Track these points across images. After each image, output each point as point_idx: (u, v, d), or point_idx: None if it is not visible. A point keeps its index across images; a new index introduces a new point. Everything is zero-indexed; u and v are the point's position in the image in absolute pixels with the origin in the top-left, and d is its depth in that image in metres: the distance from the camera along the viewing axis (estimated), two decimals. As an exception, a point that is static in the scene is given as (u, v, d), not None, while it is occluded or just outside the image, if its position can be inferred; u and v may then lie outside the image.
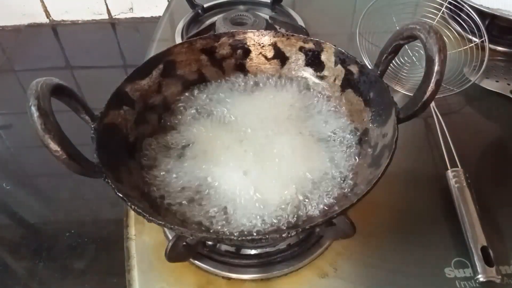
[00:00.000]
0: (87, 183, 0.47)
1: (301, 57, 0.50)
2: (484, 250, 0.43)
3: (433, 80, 0.34)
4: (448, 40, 0.69)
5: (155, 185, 0.41)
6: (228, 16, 0.76)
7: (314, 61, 0.50)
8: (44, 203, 1.10)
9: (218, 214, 0.39)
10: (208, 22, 0.82)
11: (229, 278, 0.44)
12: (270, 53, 0.51)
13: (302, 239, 0.46)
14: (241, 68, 0.52)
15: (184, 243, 0.40)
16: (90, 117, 0.38)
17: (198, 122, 0.47)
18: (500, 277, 0.42)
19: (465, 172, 0.50)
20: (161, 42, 0.79)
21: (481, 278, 0.42)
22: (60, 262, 0.94)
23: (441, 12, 0.70)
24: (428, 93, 0.35)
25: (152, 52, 0.74)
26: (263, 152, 0.43)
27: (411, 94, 0.43)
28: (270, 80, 0.51)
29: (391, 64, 0.46)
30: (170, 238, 0.41)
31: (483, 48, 0.64)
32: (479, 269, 0.42)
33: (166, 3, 0.94)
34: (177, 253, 0.39)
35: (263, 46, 0.51)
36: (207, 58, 0.50)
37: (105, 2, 1.49)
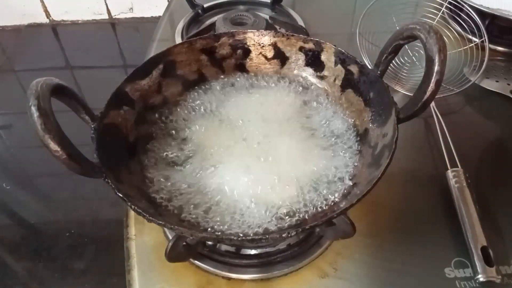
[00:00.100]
0: (87, 183, 0.47)
1: (301, 57, 0.50)
2: (484, 250, 0.43)
3: (433, 80, 0.34)
4: (448, 40, 0.69)
5: (155, 185, 0.41)
6: (228, 16, 0.76)
7: (314, 61, 0.50)
8: (44, 203, 1.10)
9: (218, 214, 0.39)
10: (208, 22, 0.82)
11: (229, 278, 0.44)
12: (270, 53, 0.51)
13: (302, 239, 0.46)
14: (241, 68, 0.52)
15: (184, 243, 0.40)
16: (90, 117, 0.38)
17: (198, 122, 0.47)
18: (500, 277, 0.42)
19: (465, 172, 0.50)
20: (161, 42, 0.79)
21: (481, 278, 0.42)
22: (60, 262, 0.94)
23: (441, 12, 0.70)
24: (428, 93, 0.35)
25: (152, 52, 0.74)
26: (263, 152, 0.43)
27: (411, 94, 0.43)
28: (270, 80, 0.51)
29: (391, 64, 0.46)
30: (170, 238, 0.41)
31: (483, 48, 0.64)
32: (479, 269, 0.42)
33: (166, 3, 0.94)
34: (177, 253, 0.39)
35: (263, 46, 0.51)
36: (207, 58, 0.50)
37: (105, 2, 1.49)
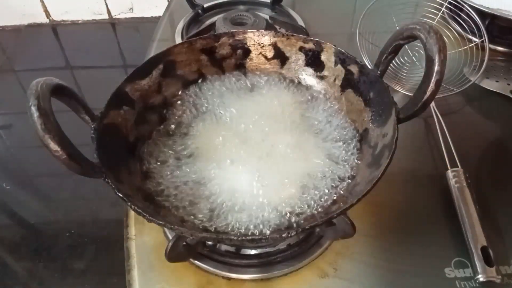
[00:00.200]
0: (87, 183, 0.47)
1: (301, 57, 0.50)
2: (484, 250, 0.43)
3: (433, 80, 0.34)
4: (448, 40, 0.69)
5: (155, 185, 0.41)
6: (228, 16, 0.76)
7: (314, 61, 0.50)
8: (44, 203, 1.10)
9: (218, 214, 0.39)
10: (208, 22, 0.82)
11: (229, 278, 0.44)
12: (270, 53, 0.51)
13: (302, 239, 0.46)
14: (241, 68, 0.52)
15: (184, 243, 0.40)
16: (90, 117, 0.38)
17: (198, 122, 0.47)
18: (500, 277, 0.42)
19: (465, 172, 0.50)
20: (161, 42, 0.79)
21: (481, 278, 0.42)
22: (60, 262, 0.94)
23: (441, 12, 0.70)
24: (428, 93, 0.35)
25: (152, 52, 0.74)
26: (263, 152, 0.43)
27: (411, 94, 0.43)
28: (270, 80, 0.51)
29: (391, 64, 0.46)
30: (170, 238, 0.41)
31: (483, 48, 0.64)
32: (479, 269, 0.42)
33: (166, 3, 0.94)
34: (177, 253, 0.39)
35: (263, 46, 0.51)
36: (207, 58, 0.50)
37: (105, 2, 1.49)
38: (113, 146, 0.40)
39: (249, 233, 0.37)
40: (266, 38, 0.51)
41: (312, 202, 0.39)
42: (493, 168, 0.56)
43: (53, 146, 0.30)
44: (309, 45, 0.49)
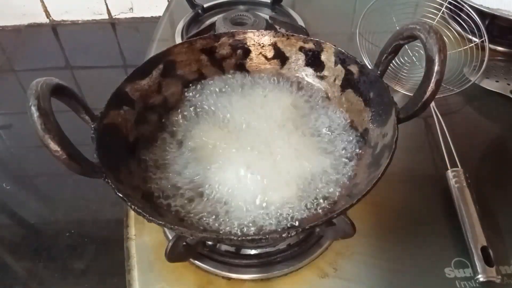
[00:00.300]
0: (87, 183, 0.47)
1: (301, 57, 0.50)
2: (484, 250, 0.43)
3: (433, 80, 0.34)
4: (448, 40, 0.69)
5: (155, 185, 0.41)
6: (228, 16, 0.76)
7: (314, 61, 0.50)
8: (44, 203, 1.10)
9: (218, 214, 0.39)
10: (208, 22, 0.82)
11: (229, 278, 0.44)
12: (270, 53, 0.51)
13: (302, 239, 0.46)
14: (241, 68, 0.52)
15: (184, 243, 0.40)
16: (90, 117, 0.38)
17: (198, 122, 0.47)
18: (500, 277, 0.42)
19: (465, 172, 0.50)
20: (161, 42, 0.79)
21: (481, 278, 0.42)
22: (60, 262, 0.94)
23: (441, 12, 0.70)
24: (428, 93, 0.35)
25: (152, 52, 0.74)
26: (263, 152, 0.43)
27: (411, 94, 0.43)
28: (270, 80, 0.51)
29: (391, 64, 0.46)
30: (170, 238, 0.41)
31: (483, 48, 0.64)
32: (479, 269, 0.42)
33: (166, 3, 0.94)
34: (177, 253, 0.39)
35: (263, 46, 0.51)
36: (207, 58, 0.50)
37: (105, 2, 1.49)
38: (113, 146, 0.40)
39: (249, 233, 0.37)
40: (266, 38, 0.51)
41: (312, 202, 0.39)
42: (493, 168, 0.56)
43: (53, 146, 0.30)
44: (309, 45, 0.49)
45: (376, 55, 0.42)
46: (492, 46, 0.69)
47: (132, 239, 0.48)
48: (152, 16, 1.52)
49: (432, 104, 0.60)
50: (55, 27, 1.55)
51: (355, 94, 0.46)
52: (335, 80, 0.49)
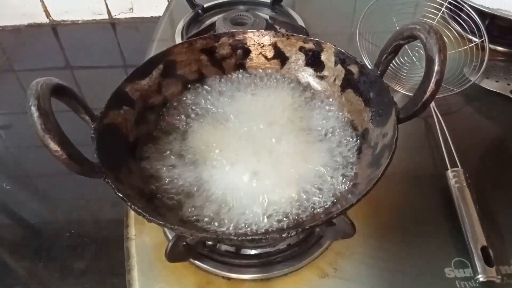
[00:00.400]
0: (87, 183, 0.47)
1: (301, 57, 0.50)
2: (484, 250, 0.43)
3: (433, 80, 0.34)
4: (448, 40, 0.69)
5: (155, 185, 0.41)
6: (228, 16, 0.76)
7: (314, 61, 0.50)
8: (44, 203, 1.10)
9: (218, 214, 0.39)
10: (208, 22, 0.82)
11: (229, 278, 0.44)
12: (270, 53, 0.51)
13: (302, 239, 0.46)
14: (241, 68, 0.52)
15: (184, 243, 0.40)
16: (90, 117, 0.38)
17: (199, 122, 0.47)
18: (500, 277, 0.42)
19: (465, 172, 0.50)
20: (161, 42, 0.79)
21: (481, 278, 0.42)
22: (60, 262, 0.94)
23: (441, 12, 0.70)
24: (428, 93, 0.35)
25: (152, 52, 0.74)
26: (263, 152, 0.43)
27: (411, 94, 0.43)
28: (270, 80, 0.51)
29: (391, 64, 0.46)
30: (170, 238, 0.41)
31: (483, 48, 0.64)
32: (479, 269, 0.42)
33: (166, 3, 0.94)
34: (177, 253, 0.39)
35: (263, 46, 0.51)
36: (207, 58, 0.50)
37: (105, 2, 1.49)
38: (113, 146, 0.40)
39: (249, 233, 0.37)
40: (266, 38, 0.51)
41: (312, 202, 0.39)
42: (493, 168, 0.56)
43: (53, 146, 0.30)
44: (309, 45, 0.49)
45: (376, 55, 0.42)
46: (492, 46, 0.69)
47: (132, 239, 0.48)
48: (152, 16, 1.53)
49: (432, 104, 0.60)
50: (55, 27, 1.55)
51: (355, 94, 0.46)
52: (335, 80, 0.49)
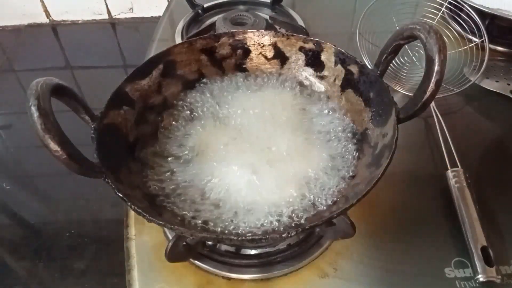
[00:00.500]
0: (87, 183, 0.47)
1: (301, 57, 0.50)
2: (484, 250, 0.43)
3: (433, 80, 0.34)
4: (448, 40, 0.69)
5: (155, 185, 0.41)
6: (228, 16, 0.76)
7: (314, 61, 0.50)
8: (44, 203, 1.10)
9: (218, 214, 0.39)
10: (208, 22, 0.82)
11: (229, 278, 0.44)
12: (270, 53, 0.51)
13: (302, 239, 0.46)
14: (241, 68, 0.52)
15: (184, 243, 0.40)
16: (90, 117, 0.38)
17: (198, 122, 0.47)
18: (500, 277, 0.42)
19: (465, 172, 0.50)
20: (161, 42, 0.78)
21: (481, 278, 0.42)
22: (60, 262, 0.94)
23: (441, 12, 0.70)
24: (428, 93, 0.35)
25: (152, 52, 0.74)
26: (263, 152, 0.43)
27: (411, 94, 0.43)
28: (270, 80, 0.51)
29: (391, 64, 0.46)
30: (170, 238, 0.41)
31: (483, 48, 0.64)
32: (479, 269, 0.42)
33: (166, 3, 0.94)
34: (177, 253, 0.39)
35: (263, 46, 0.51)
36: (207, 58, 0.50)
37: (105, 2, 1.49)
38: (113, 146, 0.40)
39: (249, 233, 0.37)
40: (266, 38, 0.51)
41: (312, 202, 0.39)
42: (493, 168, 0.56)
43: (53, 146, 0.30)
44: (309, 45, 0.49)
45: (376, 55, 0.42)
46: (492, 46, 0.69)
47: (132, 239, 0.48)
48: (152, 16, 1.53)
49: (432, 104, 0.60)
50: (55, 27, 1.55)
51: (355, 94, 0.46)
52: (335, 80, 0.49)
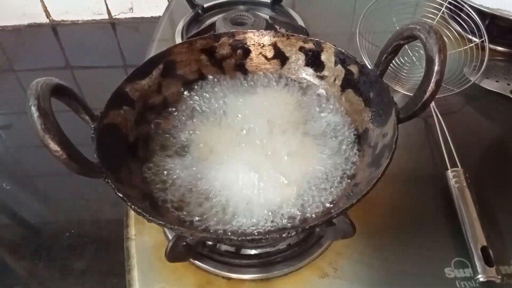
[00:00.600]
0: (87, 183, 0.47)
1: (301, 57, 0.50)
2: (484, 250, 0.43)
3: (433, 80, 0.34)
4: (448, 40, 0.69)
5: (155, 185, 0.41)
6: (228, 16, 0.76)
7: (314, 61, 0.50)
8: (44, 203, 1.10)
9: (218, 214, 0.39)
10: (208, 22, 0.82)
11: (229, 278, 0.44)
12: (270, 53, 0.51)
13: (302, 239, 0.46)
14: (241, 68, 0.52)
15: (184, 243, 0.40)
16: (90, 117, 0.38)
17: (198, 122, 0.47)
18: (500, 277, 0.42)
19: (465, 172, 0.50)
20: (161, 42, 0.79)
21: (481, 278, 0.42)
22: (60, 262, 0.94)
23: (441, 12, 0.70)
24: (428, 93, 0.35)
25: (152, 52, 0.74)
26: (263, 152, 0.43)
27: (411, 94, 0.43)
28: (270, 80, 0.51)
29: (391, 64, 0.46)
30: (170, 238, 0.41)
31: (483, 48, 0.64)
32: (479, 269, 0.42)
33: (166, 3, 0.94)
34: (177, 253, 0.39)
35: (263, 46, 0.51)
36: (207, 58, 0.50)
37: (105, 2, 1.49)
38: (113, 146, 0.40)
39: (249, 233, 0.37)
40: (266, 38, 0.51)
41: (312, 202, 0.39)
42: (493, 168, 0.56)
43: (53, 146, 0.30)
44: (309, 45, 0.49)
45: (376, 55, 0.42)
46: (492, 46, 0.69)
47: (132, 239, 0.48)
48: (152, 16, 1.52)
49: (432, 104, 0.60)
50: (55, 27, 1.55)
51: (355, 94, 0.46)
52: (335, 80, 0.49)
